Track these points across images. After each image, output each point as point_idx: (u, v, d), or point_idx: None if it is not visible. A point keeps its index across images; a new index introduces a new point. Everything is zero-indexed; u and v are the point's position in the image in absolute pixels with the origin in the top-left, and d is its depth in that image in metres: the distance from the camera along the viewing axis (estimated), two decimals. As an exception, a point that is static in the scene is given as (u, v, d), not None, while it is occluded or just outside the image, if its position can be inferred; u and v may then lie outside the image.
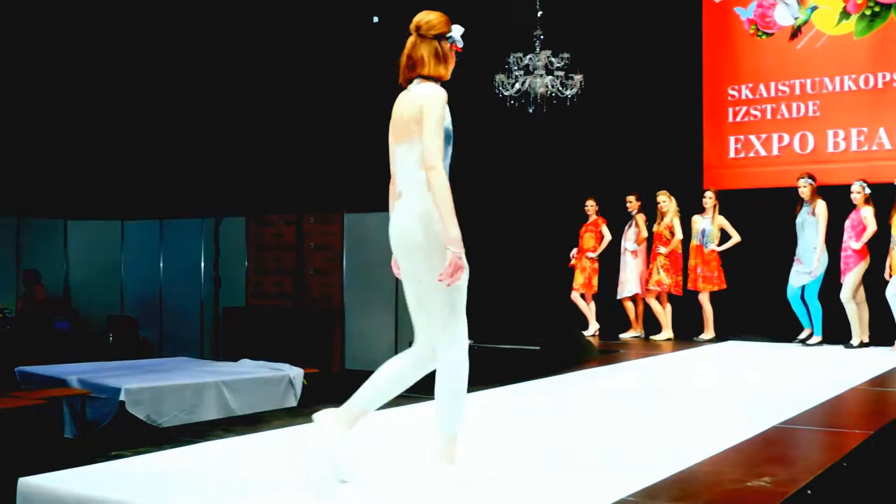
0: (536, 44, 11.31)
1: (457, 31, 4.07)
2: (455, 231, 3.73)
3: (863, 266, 9.64)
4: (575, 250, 11.57)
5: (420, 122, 3.83)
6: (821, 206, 9.80)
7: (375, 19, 12.55)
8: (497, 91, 11.29)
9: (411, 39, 4.01)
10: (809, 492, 3.82)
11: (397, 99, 4.04)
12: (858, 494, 4.05)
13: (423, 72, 3.97)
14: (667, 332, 10.82)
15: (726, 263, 10.70)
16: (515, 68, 11.24)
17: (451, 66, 4.06)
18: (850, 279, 9.65)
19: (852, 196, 9.73)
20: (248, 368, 6.15)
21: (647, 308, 11.11)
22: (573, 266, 11.54)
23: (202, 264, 14.79)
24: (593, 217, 11.46)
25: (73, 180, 13.66)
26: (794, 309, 10.03)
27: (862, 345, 9.70)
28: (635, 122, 12.27)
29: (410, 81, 3.99)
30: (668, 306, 10.88)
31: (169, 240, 15.44)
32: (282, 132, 14.05)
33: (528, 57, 11.24)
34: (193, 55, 13.49)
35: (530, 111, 11.44)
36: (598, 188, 11.80)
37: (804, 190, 9.87)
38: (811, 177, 9.94)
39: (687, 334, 10.81)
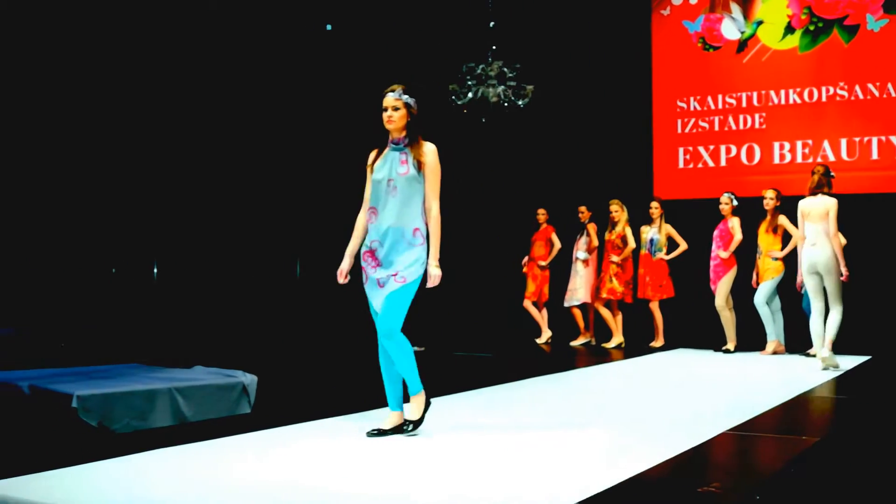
0: (489, 54, 11.38)
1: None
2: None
3: (731, 274, 10.14)
4: (526, 258, 11.65)
5: (826, 217, 8.26)
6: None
7: (329, 27, 12.55)
8: (450, 100, 11.33)
9: (817, 176, 8.40)
10: (758, 497, 3.88)
11: (808, 200, 8.42)
12: (806, 500, 4.12)
13: (821, 191, 8.34)
14: (617, 339, 10.92)
15: (675, 272, 10.84)
16: (468, 78, 11.29)
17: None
18: (722, 287, 10.13)
19: (721, 207, 10.28)
20: (201, 375, 6.10)
21: (598, 316, 11.21)
22: (525, 273, 11.63)
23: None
24: (544, 226, 11.55)
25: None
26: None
27: (731, 351, 10.27)
28: (586, 132, 12.41)
29: (815, 194, 8.39)
30: (620, 314, 10.99)
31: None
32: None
33: (481, 67, 11.29)
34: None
35: (483, 120, 11.50)
36: (549, 197, 11.90)
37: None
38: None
39: (637, 342, 10.92)
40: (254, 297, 11.78)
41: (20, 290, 10.30)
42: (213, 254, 11.78)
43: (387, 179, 5.00)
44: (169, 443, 4.80)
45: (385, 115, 5.05)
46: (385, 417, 5.15)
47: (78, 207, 10.99)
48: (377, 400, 5.63)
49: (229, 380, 5.96)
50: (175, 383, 5.69)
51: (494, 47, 11.45)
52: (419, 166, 5.00)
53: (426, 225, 5.01)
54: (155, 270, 11.62)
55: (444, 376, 8.31)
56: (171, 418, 5.53)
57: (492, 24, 11.57)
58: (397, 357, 4.95)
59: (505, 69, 11.27)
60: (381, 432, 5.03)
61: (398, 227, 4.95)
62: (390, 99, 5.06)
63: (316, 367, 8.96)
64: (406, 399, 5.12)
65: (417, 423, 5.04)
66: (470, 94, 11.29)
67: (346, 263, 5.12)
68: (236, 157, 12.04)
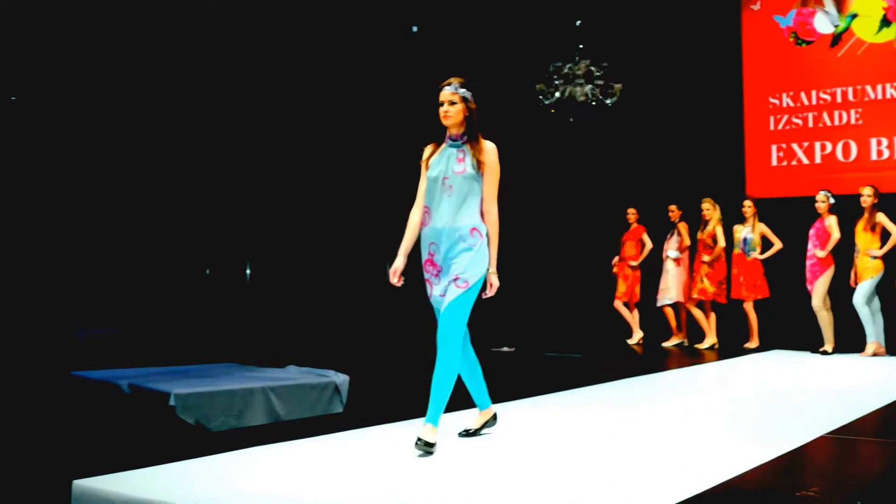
0: (576, 53, 11.30)
1: None
2: None
3: (829, 273, 9.87)
4: (616, 258, 11.56)
5: None
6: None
7: (414, 29, 12.62)
8: (538, 100, 11.29)
9: None
10: (859, 502, 3.79)
11: None
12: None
13: None
14: (710, 340, 10.76)
15: (769, 271, 10.63)
16: (555, 77, 11.23)
17: None
18: (819, 287, 9.88)
19: (817, 205, 10.00)
20: (294, 374, 6.20)
21: (691, 316, 11.06)
22: (616, 274, 11.53)
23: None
24: (634, 225, 11.44)
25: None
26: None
27: (829, 352, 9.97)
28: (676, 130, 12.25)
29: None
30: (713, 315, 10.82)
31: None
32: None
33: (568, 66, 11.22)
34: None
35: (571, 120, 11.44)
36: (638, 197, 11.79)
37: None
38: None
39: (731, 343, 10.75)
40: (346, 297, 11.89)
41: (121, 291, 10.58)
42: (304, 254, 11.93)
43: (442, 177, 4.71)
44: (262, 441, 4.86)
45: (441, 109, 4.76)
46: (474, 417, 5.08)
47: (173, 211, 11.23)
48: (468, 400, 5.63)
49: (322, 379, 6.04)
50: (269, 382, 5.79)
51: (581, 46, 11.38)
52: (478, 165, 4.69)
53: (484, 224, 4.70)
54: (248, 271, 11.81)
55: (534, 377, 8.29)
56: (266, 417, 5.62)
57: (578, 22, 11.50)
58: (443, 365, 4.57)
59: (592, 68, 11.20)
60: (468, 433, 4.98)
61: (454, 228, 4.65)
62: (446, 93, 4.75)
63: (408, 366, 9.00)
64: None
65: (426, 446, 4.46)
66: (557, 94, 11.24)
67: (399, 262, 4.77)
68: (327, 157, 12.17)
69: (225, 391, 5.48)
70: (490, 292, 4.68)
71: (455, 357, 4.61)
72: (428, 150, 4.88)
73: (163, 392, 5.31)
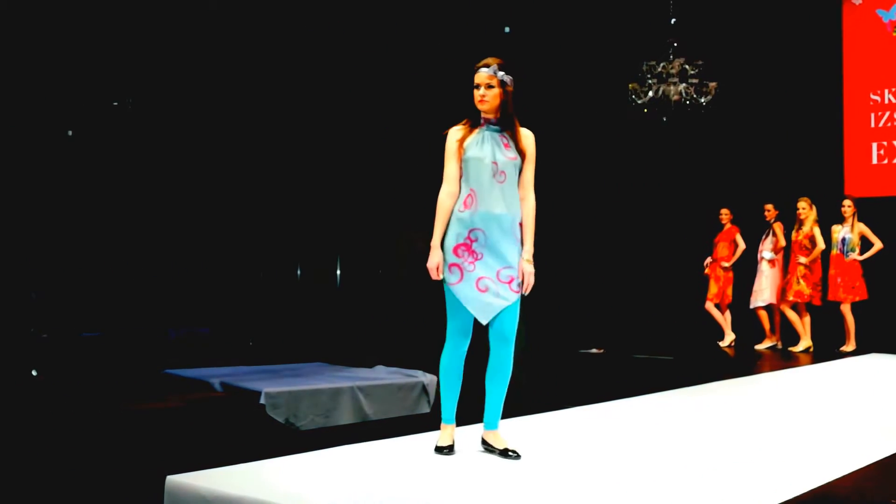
0: (670, 51, 11.17)
1: None
2: None
3: None
4: (709, 259, 11.38)
5: None
6: None
7: (507, 29, 12.60)
8: (630, 99, 11.18)
9: None
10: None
11: None
12: None
13: None
14: (804, 343, 10.53)
15: (868, 273, 10.36)
16: (649, 76, 11.11)
17: None
18: None
19: None
20: (383, 374, 6.27)
21: (784, 319, 10.84)
22: (708, 275, 11.36)
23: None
24: (728, 226, 11.25)
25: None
26: None
27: None
28: (772, 128, 12.02)
29: None
30: (808, 317, 10.59)
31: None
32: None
33: (662, 65, 11.09)
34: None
35: (664, 120, 11.30)
36: (733, 196, 11.60)
37: None
38: None
39: (826, 346, 10.51)
40: (434, 297, 11.96)
41: (213, 291, 10.82)
42: (393, 255, 12.02)
43: (491, 161, 4.36)
44: (350, 440, 4.91)
45: (478, 93, 4.41)
46: (445, 432, 4.68)
47: (265, 213, 11.44)
48: (558, 400, 5.63)
49: (409, 379, 6.10)
50: (357, 382, 5.87)
51: (675, 44, 11.23)
52: (522, 153, 4.42)
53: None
54: (337, 272, 11.96)
55: (623, 379, 8.23)
56: (354, 416, 5.70)
57: (672, 20, 11.36)
58: (508, 368, 4.54)
59: (686, 66, 11.04)
60: (451, 450, 4.60)
61: (506, 216, 4.35)
62: (483, 75, 4.41)
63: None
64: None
65: (503, 454, 4.51)
66: (651, 93, 11.11)
67: (439, 256, 4.47)
68: (416, 160, 12.24)
69: (314, 390, 5.57)
70: (527, 285, 4.41)
71: (511, 358, 4.54)
72: (460, 130, 4.51)
73: (254, 391, 5.42)
